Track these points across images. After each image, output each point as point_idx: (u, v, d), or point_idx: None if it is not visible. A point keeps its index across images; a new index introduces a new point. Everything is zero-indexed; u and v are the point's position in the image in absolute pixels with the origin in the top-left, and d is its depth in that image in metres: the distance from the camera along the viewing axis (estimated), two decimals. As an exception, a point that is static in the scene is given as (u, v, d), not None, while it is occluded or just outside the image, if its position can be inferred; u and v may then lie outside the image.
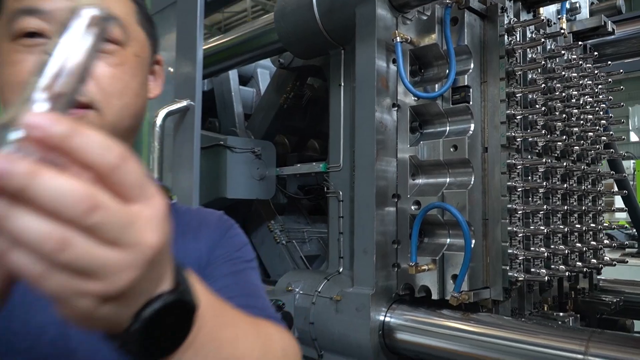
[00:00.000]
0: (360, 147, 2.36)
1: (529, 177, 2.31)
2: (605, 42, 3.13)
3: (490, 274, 2.20)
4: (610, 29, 2.84)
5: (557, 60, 2.61)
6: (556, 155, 2.53)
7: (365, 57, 2.35)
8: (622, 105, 2.91)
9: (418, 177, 2.35)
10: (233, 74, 3.92)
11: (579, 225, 2.63)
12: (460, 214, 2.04)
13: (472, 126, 2.20)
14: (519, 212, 2.21)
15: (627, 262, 3.32)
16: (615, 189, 3.32)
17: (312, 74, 3.47)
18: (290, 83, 3.48)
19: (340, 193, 2.63)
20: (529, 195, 2.30)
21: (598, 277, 3.07)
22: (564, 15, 2.78)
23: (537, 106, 2.34)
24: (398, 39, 2.26)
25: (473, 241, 2.13)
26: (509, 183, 2.20)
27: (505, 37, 2.24)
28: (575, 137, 2.66)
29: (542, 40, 2.38)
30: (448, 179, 2.26)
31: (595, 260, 2.77)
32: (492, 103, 2.25)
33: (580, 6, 2.88)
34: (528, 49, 2.38)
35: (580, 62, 2.71)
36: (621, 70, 2.93)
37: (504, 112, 2.21)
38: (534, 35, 2.41)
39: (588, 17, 2.93)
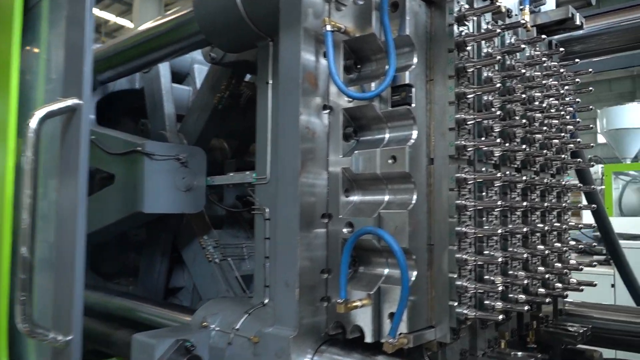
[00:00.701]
0: (283, 156, 1.97)
1: (483, 194, 1.95)
2: (573, 38, 2.80)
3: (436, 310, 1.83)
4: (578, 23, 2.51)
5: (518, 57, 2.26)
6: (516, 166, 2.18)
7: (289, 49, 1.96)
8: (591, 109, 2.60)
9: (353, 193, 1.97)
10: (164, 70, 3.48)
11: (542, 247, 2.29)
12: (395, 241, 1.66)
13: (415, 133, 1.82)
14: (470, 236, 1.85)
15: (595, 265, 2.96)
16: (584, 202, 3.00)
17: (250, 70, 3.06)
18: (225, 80, 3.07)
19: (267, 210, 2.23)
20: (483, 216, 1.94)
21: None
22: (527, 5, 2.43)
23: (493, 109, 1.98)
24: (328, 27, 1.87)
25: (414, 273, 1.77)
26: (459, 201, 1.84)
27: (455, 27, 1.87)
28: (538, 146, 2.31)
29: (500, 32, 2.02)
30: (386, 197, 1.88)
31: (560, 285, 2.43)
32: (440, 105, 1.88)
33: (544, -4, 2.54)
34: (483, 42, 2.02)
35: (545, 60, 2.37)
36: (590, 70, 2.60)
37: (452, 116, 1.84)
38: (490, 27, 2.05)
39: (554, 8, 2.59)
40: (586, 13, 2.80)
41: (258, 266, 2.26)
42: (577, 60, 2.48)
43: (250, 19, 2.22)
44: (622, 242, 6.31)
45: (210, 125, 3.21)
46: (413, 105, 1.82)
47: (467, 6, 1.91)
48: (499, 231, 1.85)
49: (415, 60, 1.84)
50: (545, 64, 2.44)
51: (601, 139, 15.93)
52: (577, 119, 2.70)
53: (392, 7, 1.86)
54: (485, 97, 1.99)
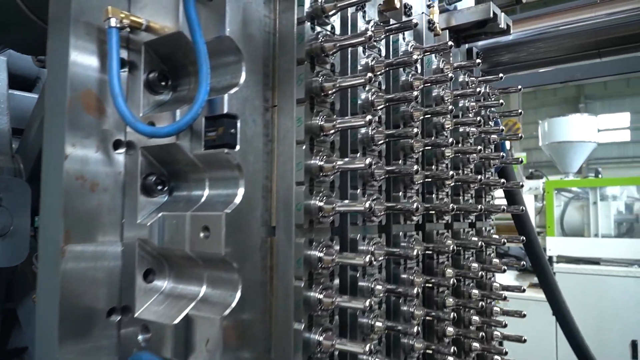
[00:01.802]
0: (42, 222, 1.26)
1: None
2: (500, 46, 2.22)
3: None
4: (503, 26, 1.92)
5: (419, 70, 1.64)
6: (412, 194, 1.56)
7: (55, 55, 1.25)
8: (521, 112, 2.03)
9: (159, 277, 1.29)
10: (-3, 73, 2.69)
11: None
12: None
13: (240, 192, 1.16)
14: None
15: (524, 290, 2.37)
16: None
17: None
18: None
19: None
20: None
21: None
22: (436, 2, 1.82)
23: (376, 148, 1.35)
24: (113, 21, 1.19)
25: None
26: (313, 295, 1.19)
27: (308, 25, 1.22)
28: (447, 163, 1.70)
29: (384, 35, 1.39)
30: (203, 287, 1.21)
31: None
32: (286, 146, 1.23)
33: (460, -10, 1.94)
34: (360, 48, 1.38)
35: (462, 75, 1.77)
36: (519, 87, 2.02)
37: (302, 163, 1.19)
38: (371, 28, 1.42)
39: (473, 6, 1.99)
40: (516, 16, 2.23)
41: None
42: (501, 75, 1.89)
43: (32, 11, 1.50)
44: (563, 265, 5.94)
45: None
46: (237, 147, 1.15)
47: (331, -5, 1.26)
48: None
49: (242, 76, 1.18)
50: (461, 82, 1.83)
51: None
52: (501, 127, 2.10)
53: (206, -7, 1.19)
54: (361, 131, 1.36)
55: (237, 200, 1.15)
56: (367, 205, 1.16)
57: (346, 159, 1.23)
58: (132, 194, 1.28)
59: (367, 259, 1.15)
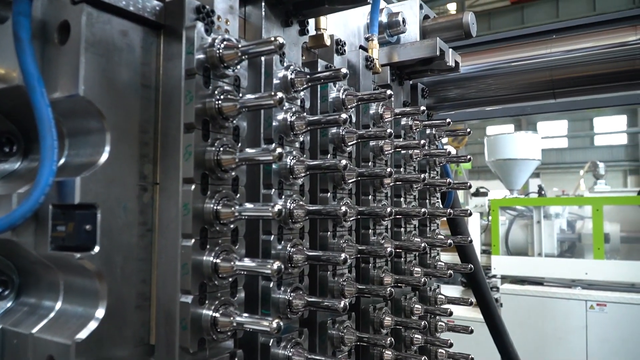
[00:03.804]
0: None
1: None
2: (448, 80, 2.00)
3: None
4: (451, 63, 1.68)
5: (353, 120, 1.38)
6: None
7: None
8: (469, 132, 1.82)
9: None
10: None
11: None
12: None
13: (100, 312, 0.85)
14: None
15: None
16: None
17: None
18: None
19: None
20: None
21: None
22: (375, 34, 1.56)
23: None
24: None
25: None
26: None
27: (199, 78, 0.92)
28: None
29: (306, 85, 1.11)
30: None
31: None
32: (169, 240, 0.92)
33: (403, 20, 1.68)
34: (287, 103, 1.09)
35: (404, 118, 1.52)
36: (469, 130, 1.79)
37: (188, 265, 0.89)
38: (290, 75, 1.13)
39: (418, 39, 1.74)
40: (465, 50, 2.01)
41: None
42: (448, 120, 1.65)
43: None
44: (507, 286, 5.89)
45: None
46: (97, 248, 0.84)
47: (224, 40, 0.96)
48: None
49: (106, 150, 0.86)
50: (404, 122, 1.59)
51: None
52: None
53: (60, 33, 0.87)
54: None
55: (94, 323, 0.83)
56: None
57: (249, 262, 0.94)
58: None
59: (274, 397, 0.87)
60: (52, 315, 0.90)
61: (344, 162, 1.11)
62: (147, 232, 0.93)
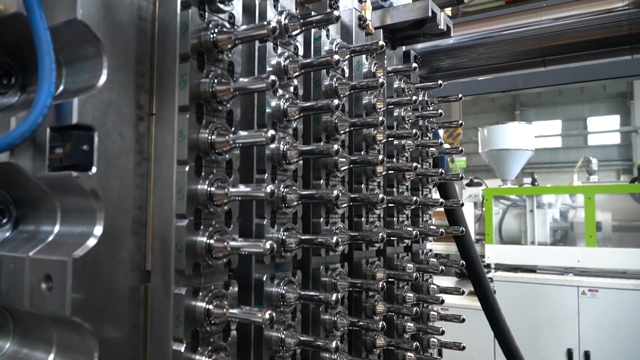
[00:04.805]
0: None
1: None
2: (440, 50, 2.03)
3: None
4: (442, 27, 1.71)
5: (346, 74, 1.40)
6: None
7: None
8: (461, 124, 1.84)
9: (3, 336, 0.97)
10: None
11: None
12: None
13: (98, 230, 0.87)
14: None
15: (464, 292, 2.16)
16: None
17: None
18: None
19: None
20: None
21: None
22: (368, -5, 1.59)
23: (289, 168, 1.09)
24: None
25: None
26: (202, 358, 0.92)
27: (194, 12, 0.95)
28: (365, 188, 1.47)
29: (299, 29, 1.14)
30: (51, 357, 0.91)
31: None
32: (165, 167, 0.94)
33: (396, -16, 1.71)
34: (270, 45, 1.12)
35: (397, 81, 1.55)
36: (460, 95, 1.82)
37: (183, 190, 0.91)
38: (284, 19, 1.15)
39: (410, 2, 1.77)
40: (458, 20, 2.04)
41: None
42: (440, 82, 1.68)
43: None
44: (500, 274, 5.93)
45: None
46: (94, 169, 0.86)
47: (230, -24, 0.99)
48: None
49: (103, 74, 0.88)
50: (396, 85, 1.61)
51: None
52: (440, 140, 1.89)
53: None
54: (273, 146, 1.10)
55: (91, 241, 0.85)
56: (267, 246, 0.89)
57: (244, 187, 0.96)
58: (-42, 227, 0.96)
59: (267, 316, 0.89)
60: (50, 239, 0.91)
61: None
62: (143, 161, 0.95)
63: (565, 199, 6.71)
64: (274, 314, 0.90)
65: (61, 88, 0.93)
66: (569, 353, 5.22)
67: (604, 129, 27.42)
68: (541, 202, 6.32)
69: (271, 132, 0.91)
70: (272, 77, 0.91)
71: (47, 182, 0.90)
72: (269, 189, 0.91)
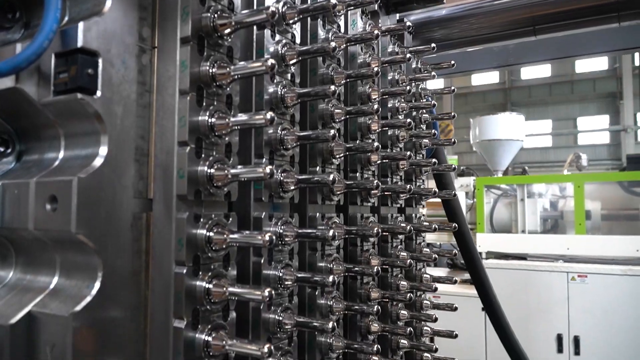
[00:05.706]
0: None
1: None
2: (432, 21, 2.07)
3: None
4: (435, -7, 1.75)
5: (342, 30, 1.43)
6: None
7: None
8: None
9: (5, 266, 1.00)
10: None
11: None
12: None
13: (103, 151, 0.89)
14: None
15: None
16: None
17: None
18: None
19: None
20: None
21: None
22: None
23: (286, 110, 1.12)
24: None
25: None
26: (202, 284, 0.95)
27: (198, -53, 0.97)
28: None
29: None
30: (55, 280, 0.94)
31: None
32: (167, 97, 0.97)
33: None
34: (267, -9, 1.15)
35: (391, 44, 1.59)
36: (452, 62, 1.86)
37: (185, 118, 0.94)
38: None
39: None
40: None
41: None
42: (433, 45, 1.72)
43: None
44: (492, 261, 5.99)
45: None
46: (98, 93, 0.88)
47: None
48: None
49: (107, 2, 0.91)
50: (390, 49, 1.65)
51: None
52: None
53: None
54: (271, 90, 1.13)
55: (97, 162, 0.88)
56: (267, 170, 0.92)
57: (244, 116, 0.99)
58: (-37, 157, 0.98)
59: (267, 238, 0.92)
60: (54, 164, 0.94)
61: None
62: (145, 92, 0.98)
63: (556, 191, 6.80)
64: (273, 237, 0.92)
65: (66, 18, 0.95)
66: (559, 338, 5.29)
67: (594, 128, 27.72)
68: (531, 192, 6.40)
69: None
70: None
71: (50, 108, 0.92)
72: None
